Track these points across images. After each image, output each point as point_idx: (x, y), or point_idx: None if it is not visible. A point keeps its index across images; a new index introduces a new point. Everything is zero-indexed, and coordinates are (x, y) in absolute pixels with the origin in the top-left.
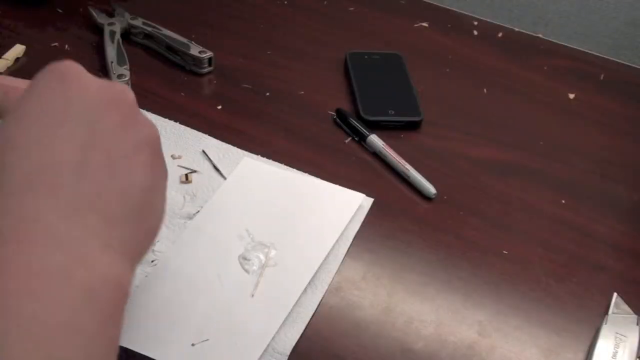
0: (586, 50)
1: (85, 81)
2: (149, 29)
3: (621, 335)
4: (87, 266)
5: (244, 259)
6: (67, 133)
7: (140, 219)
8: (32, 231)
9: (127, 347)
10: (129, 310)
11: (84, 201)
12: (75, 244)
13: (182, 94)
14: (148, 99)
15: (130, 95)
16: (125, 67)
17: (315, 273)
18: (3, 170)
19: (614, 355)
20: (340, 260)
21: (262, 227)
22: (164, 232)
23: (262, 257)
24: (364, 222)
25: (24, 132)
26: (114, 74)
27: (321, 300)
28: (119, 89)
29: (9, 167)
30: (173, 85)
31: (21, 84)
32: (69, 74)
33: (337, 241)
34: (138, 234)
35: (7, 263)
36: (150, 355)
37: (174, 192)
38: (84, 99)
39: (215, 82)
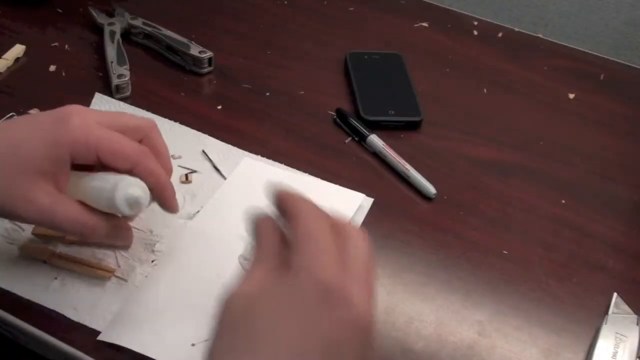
0: (586, 50)
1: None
2: (149, 29)
3: (621, 335)
4: None
5: (244, 259)
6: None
7: None
8: None
9: (128, 347)
10: (129, 311)
11: None
12: None
13: (182, 94)
14: (148, 99)
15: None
16: (125, 67)
17: None
18: None
19: (614, 355)
20: None
21: None
22: (164, 232)
23: None
24: (364, 222)
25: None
26: (114, 74)
27: None
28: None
29: None
30: (173, 85)
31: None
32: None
33: None
34: None
35: None
36: (151, 355)
37: None
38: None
39: (215, 82)
